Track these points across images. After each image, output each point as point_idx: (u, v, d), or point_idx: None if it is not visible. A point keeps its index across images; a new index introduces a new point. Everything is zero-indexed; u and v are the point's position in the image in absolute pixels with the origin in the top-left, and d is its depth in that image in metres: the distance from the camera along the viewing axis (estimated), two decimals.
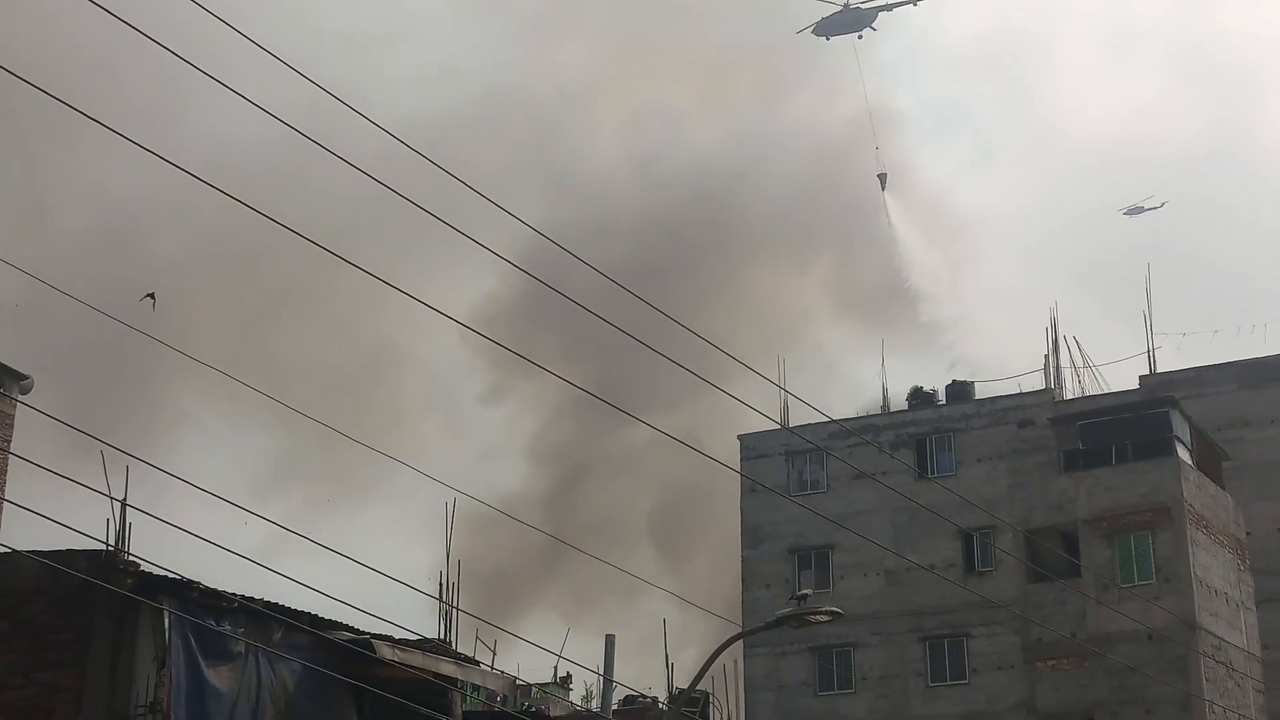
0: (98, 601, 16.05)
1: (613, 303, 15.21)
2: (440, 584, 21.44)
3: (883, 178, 68.80)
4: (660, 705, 41.21)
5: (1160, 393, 50.09)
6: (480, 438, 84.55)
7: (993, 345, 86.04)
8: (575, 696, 42.59)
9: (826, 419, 44.36)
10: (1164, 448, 44.75)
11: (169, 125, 65.16)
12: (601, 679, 20.13)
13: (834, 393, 64.17)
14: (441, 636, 20.76)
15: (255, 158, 59.89)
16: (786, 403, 47.28)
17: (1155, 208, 76.57)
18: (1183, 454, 45.19)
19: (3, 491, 40.01)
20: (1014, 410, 47.71)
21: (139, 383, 73.75)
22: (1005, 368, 73.61)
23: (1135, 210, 76.83)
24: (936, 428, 48.24)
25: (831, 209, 79.26)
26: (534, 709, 27.81)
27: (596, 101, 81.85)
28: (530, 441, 77.04)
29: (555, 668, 41.54)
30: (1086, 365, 54.28)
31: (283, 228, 12.49)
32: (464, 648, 21.65)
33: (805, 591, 19.81)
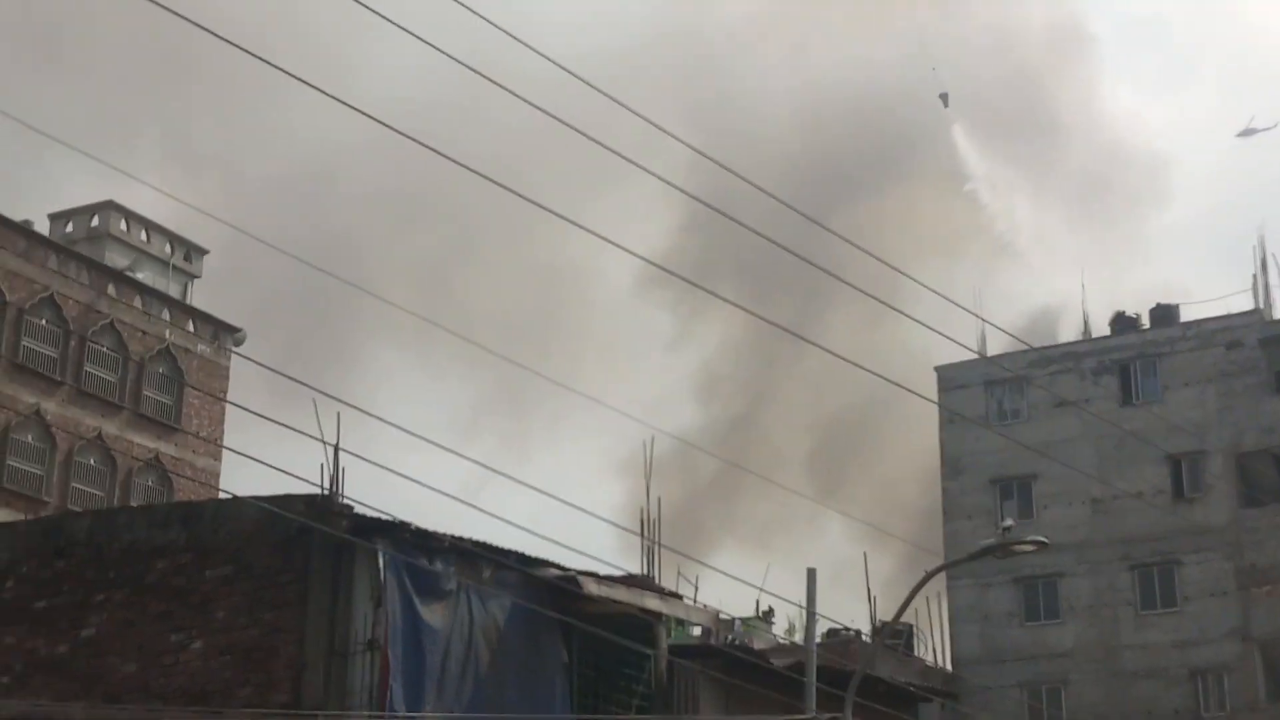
0: (315, 544, 16.67)
1: (787, 239, 15.15)
2: (641, 520, 21.78)
3: (944, 98, 66.32)
4: (864, 638, 41.33)
5: None
6: (658, 375, 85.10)
7: (1199, 266, 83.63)
8: (777, 630, 42.83)
9: (1026, 347, 43.68)
10: None
11: (351, 70, 66.50)
12: (805, 612, 20.23)
13: (1033, 320, 62.93)
14: (645, 572, 21.10)
15: (435, 99, 60.74)
16: (984, 333, 46.65)
17: (1268, 128, 73.62)
18: None
19: (222, 440, 41.57)
20: (1221, 332, 46.34)
21: (339, 329, 75.88)
22: (1212, 288, 71.50)
23: (1249, 133, 73.89)
24: (1141, 353, 47.12)
25: (1020, 134, 77.57)
26: (738, 642, 28.09)
27: (764, 41, 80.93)
28: (708, 379, 77.29)
29: (757, 602, 41.88)
30: None
31: (463, 168, 12.74)
32: (665, 584, 21.96)
33: (1009, 522, 19.63)
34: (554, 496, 16.85)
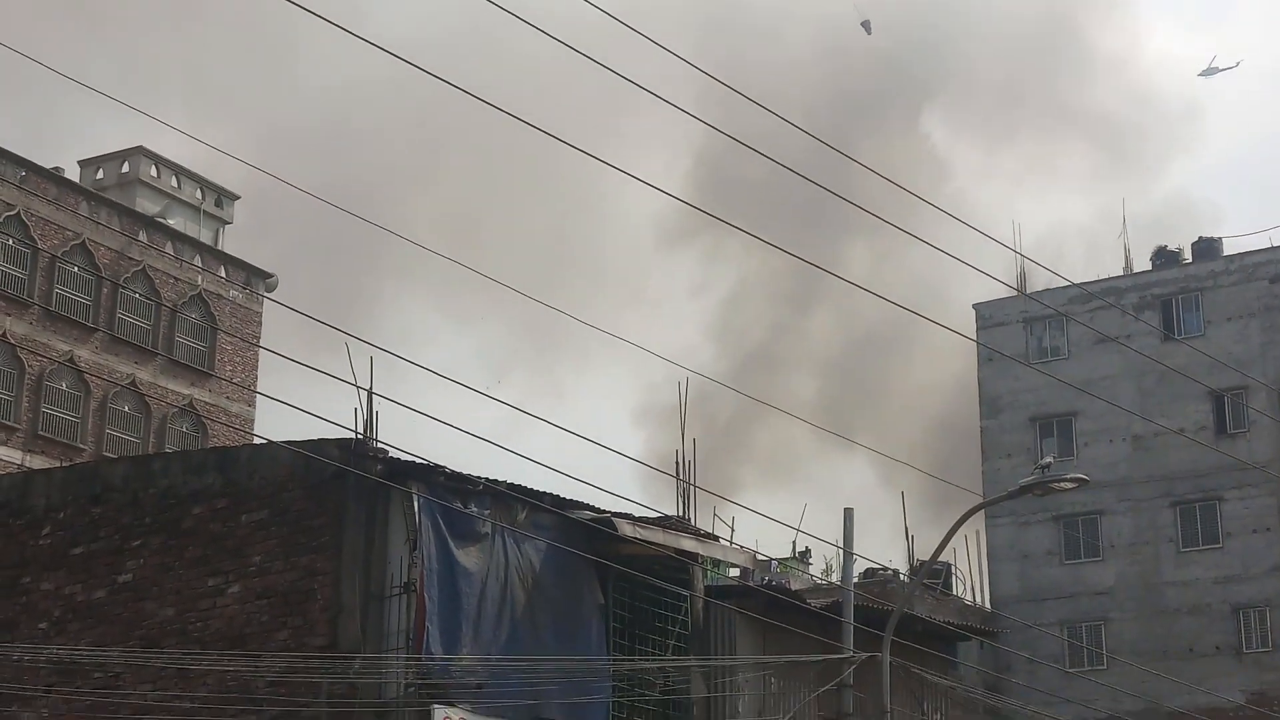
0: (349, 488, 16.58)
1: (808, 173, 14.77)
2: (676, 462, 21.60)
3: (866, 25, 65.00)
4: (901, 577, 41.19)
5: None
6: (678, 314, 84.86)
7: (1242, 198, 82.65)
8: (814, 570, 42.75)
9: (1067, 283, 43.22)
10: None
11: (368, 8, 66.10)
12: (841, 552, 20.05)
13: (1072, 256, 62.45)
14: (680, 515, 20.95)
15: (451, 35, 60.39)
16: (1023, 269, 46.20)
17: (1229, 68, 72.39)
18: None
19: (255, 386, 41.57)
20: (1265, 265, 45.71)
21: (368, 272, 75.95)
22: (1256, 221, 70.52)
23: (1210, 72, 72.63)
24: (1183, 287, 46.56)
25: (1046, 69, 76.70)
26: (774, 583, 27.97)
27: None
28: (729, 319, 77.06)
29: (794, 543, 41.77)
30: None
31: (483, 102, 12.48)
32: (700, 526, 21.80)
33: (1048, 459, 19.38)
34: (586, 438, 16.67)
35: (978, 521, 47.09)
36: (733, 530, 30.86)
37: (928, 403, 66.82)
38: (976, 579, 46.29)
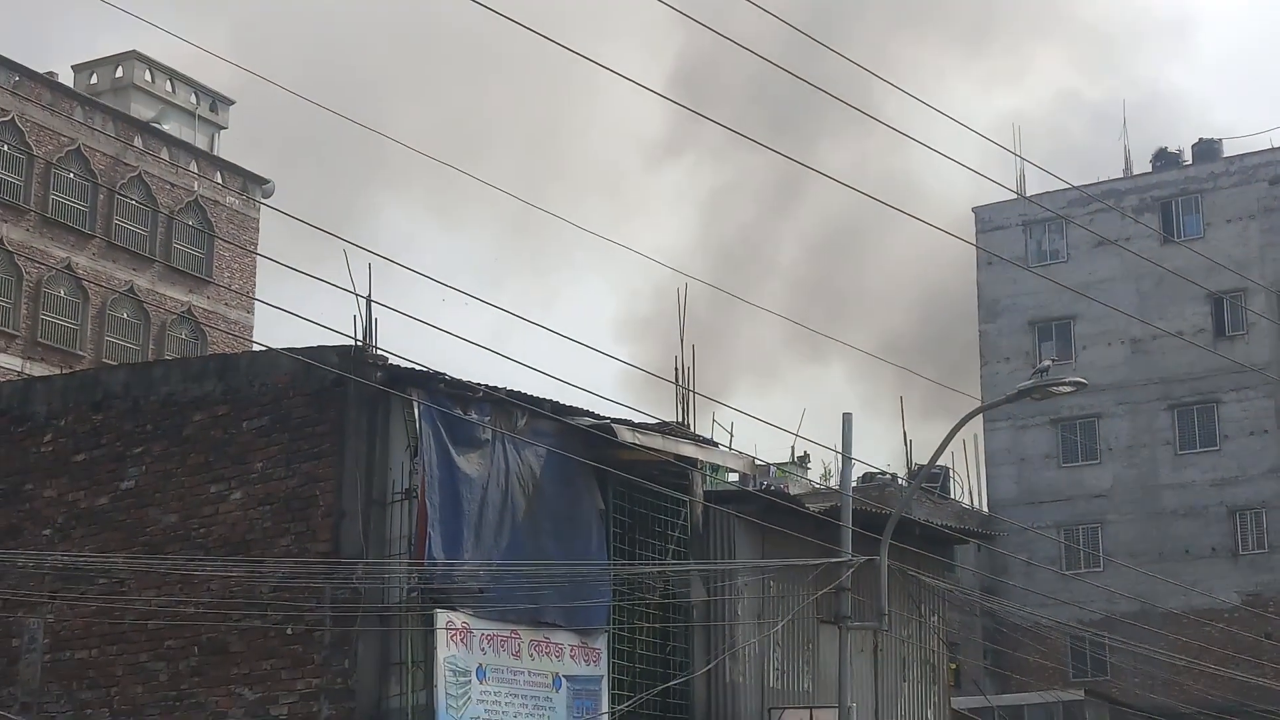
0: (350, 395, 16.60)
1: (801, 69, 14.61)
2: (675, 368, 21.62)
3: None
4: (899, 481, 41.40)
5: None
6: (669, 221, 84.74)
7: (1242, 100, 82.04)
8: (812, 475, 42.98)
9: (1066, 185, 43.07)
10: None
11: None
12: (840, 457, 20.12)
13: (1072, 158, 62.07)
14: (679, 420, 21.00)
15: None
16: (1022, 171, 45.99)
17: None
18: None
19: (254, 293, 41.53)
20: (1265, 167, 45.56)
21: (364, 177, 75.63)
22: (1255, 123, 70.22)
23: None
24: (1183, 189, 46.42)
25: None
26: (773, 488, 28.13)
27: None
28: (720, 224, 76.94)
29: (792, 448, 41.97)
30: None
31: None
32: (701, 431, 21.86)
33: (1046, 362, 19.38)
34: (585, 344, 16.67)
35: (975, 425, 47.30)
36: (731, 436, 31.00)
37: (918, 305, 66.84)
38: (974, 483, 46.65)
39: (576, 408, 18.06)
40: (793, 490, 30.47)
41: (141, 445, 18.06)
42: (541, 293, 78.05)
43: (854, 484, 39.66)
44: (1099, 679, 41.81)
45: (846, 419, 20.02)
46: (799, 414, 39.40)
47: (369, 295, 16.60)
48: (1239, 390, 43.89)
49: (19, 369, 34.62)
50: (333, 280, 15.59)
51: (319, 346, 16.69)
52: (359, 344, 16.55)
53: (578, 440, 17.90)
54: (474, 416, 17.15)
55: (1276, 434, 43.41)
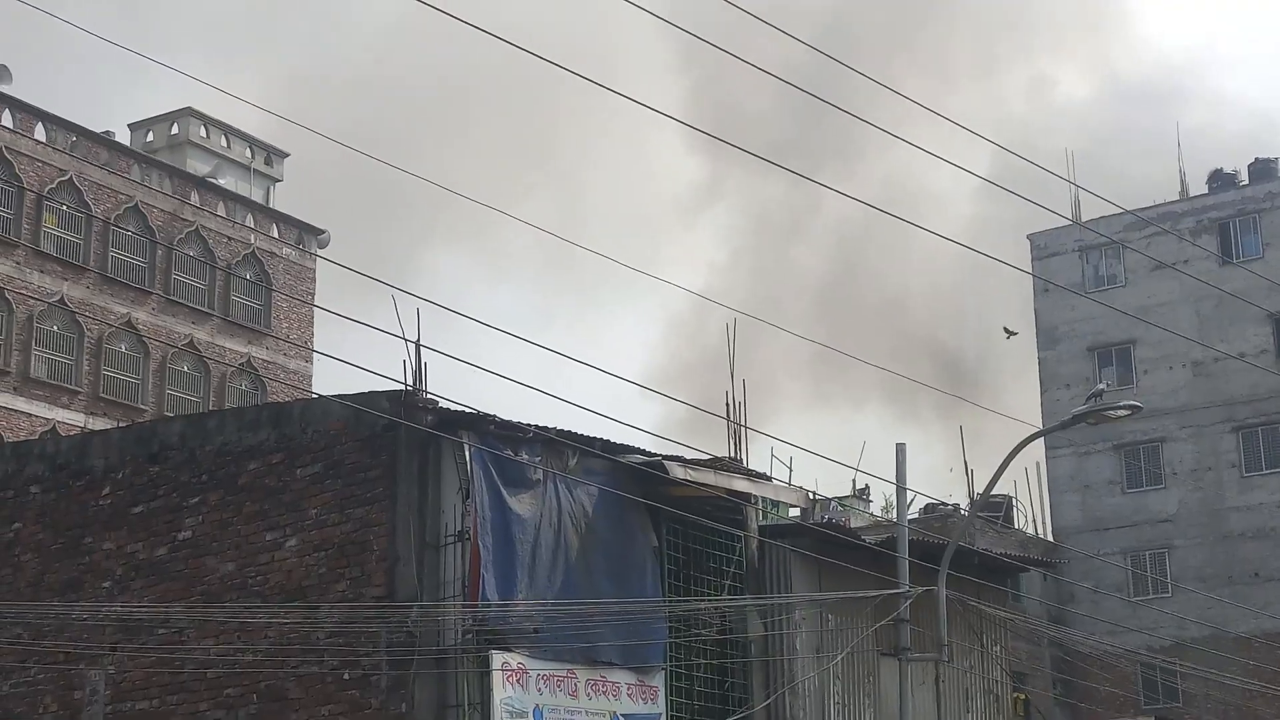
0: (401, 439, 16.71)
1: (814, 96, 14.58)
2: (727, 403, 21.62)
3: None
4: (961, 512, 41.10)
5: None
6: (724, 248, 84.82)
7: None
8: (874, 508, 42.73)
9: (1121, 210, 42.73)
10: None
11: None
12: (897, 488, 20.04)
13: (1126, 182, 61.63)
14: (732, 455, 20.97)
15: None
16: (1077, 197, 45.69)
17: None
18: None
19: (311, 343, 41.89)
20: None
21: (415, 225, 76.34)
22: None
23: None
24: (1240, 210, 46.01)
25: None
26: (834, 521, 28.00)
27: None
28: (778, 252, 76.84)
29: (853, 481, 41.76)
30: None
31: (506, 42, 12.50)
32: (754, 467, 21.82)
33: (1101, 386, 19.25)
34: (634, 383, 16.76)
35: (1038, 453, 46.96)
36: (790, 470, 30.86)
37: (973, 334, 66.36)
38: (1038, 511, 46.24)
39: (627, 445, 18.09)
40: (854, 523, 30.35)
41: (198, 495, 18.23)
42: (586, 332, 78.44)
43: (916, 515, 39.47)
44: (1171, 706, 41.23)
45: (900, 449, 19.97)
46: (859, 447, 39.26)
47: (418, 340, 16.76)
48: None
49: (82, 424, 35.09)
50: (383, 327, 15.79)
51: (370, 392, 16.82)
52: (409, 388, 16.67)
53: (629, 478, 17.92)
54: (525, 457, 17.21)
55: None
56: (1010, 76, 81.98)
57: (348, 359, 14.86)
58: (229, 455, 18.17)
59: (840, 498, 40.54)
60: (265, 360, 41.60)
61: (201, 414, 23.40)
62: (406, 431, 16.61)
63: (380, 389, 16.70)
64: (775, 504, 22.31)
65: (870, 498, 44.20)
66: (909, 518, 36.58)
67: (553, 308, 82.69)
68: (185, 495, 18.37)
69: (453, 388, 16.11)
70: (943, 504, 40.47)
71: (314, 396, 19.62)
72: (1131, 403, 19.05)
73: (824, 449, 18.63)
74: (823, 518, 28.35)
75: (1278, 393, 43.07)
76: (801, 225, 76.61)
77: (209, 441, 18.46)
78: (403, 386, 16.70)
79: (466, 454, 16.69)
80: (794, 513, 27.20)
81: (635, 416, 14.95)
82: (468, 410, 16.44)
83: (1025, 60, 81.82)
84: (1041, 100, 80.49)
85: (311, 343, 41.99)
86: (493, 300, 78.01)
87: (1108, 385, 25.66)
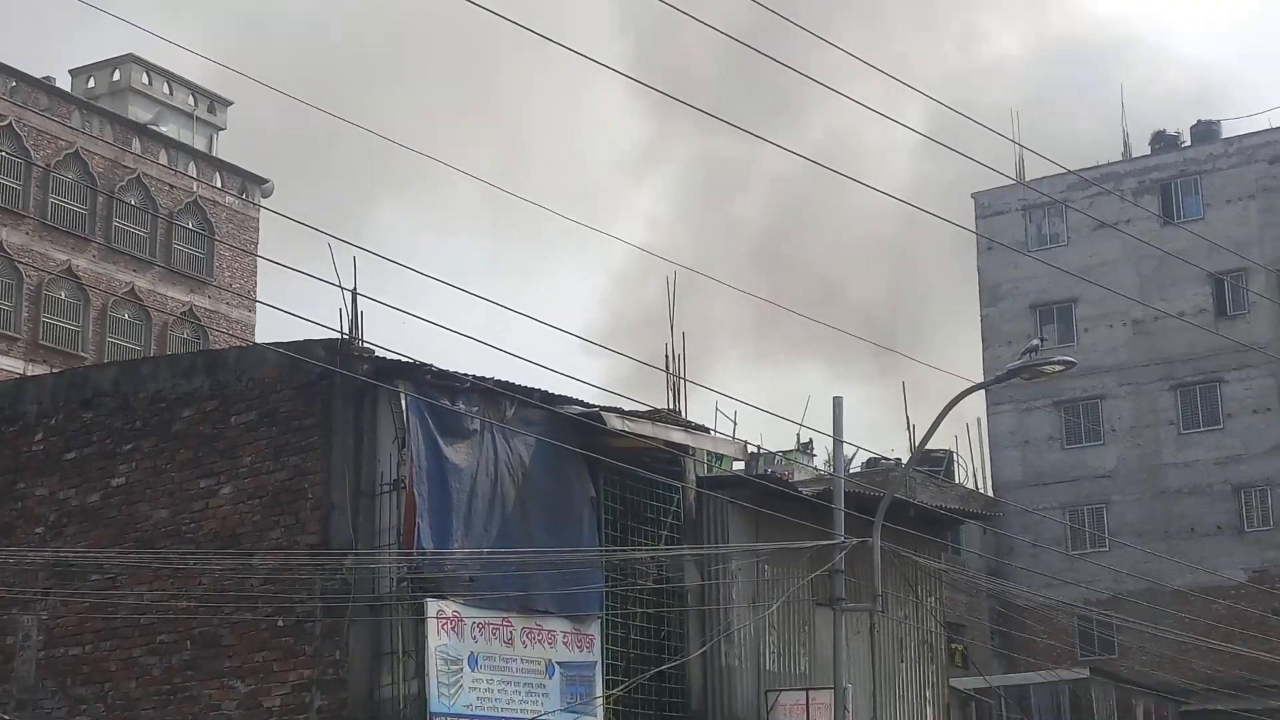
0: (337, 388, 16.66)
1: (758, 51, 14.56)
2: (666, 356, 21.66)
3: None
4: (903, 465, 41.33)
5: None
6: (666, 205, 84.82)
7: (1241, 81, 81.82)
8: (818, 462, 42.96)
9: (1064, 170, 43.03)
10: None
11: None
12: (834, 440, 20.14)
13: (1069, 143, 61.96)
14: (671, 407, 21.02)
15: None
16: (1022, 156, 45.91)
17: None
18: None
19: (254, 293, 41.60)
20: (1264, 147, 45.46)
21: (361, 176, 75.91)
22: (1255, 103, 70.00)
23: None
24: (1182, 171, 46.35)
25: None
26: (774, 474, 28.14)
27: None
28: (720, 210, 77.00)
29: (797, 435, 41.94)
30: None
31: None
32: (705, 420, 21.90)
33: (1035, 341, 19.37)
34: (575, 335, 16.75)
35: (979, 409, 47.36)
36: (735, 425, 30.96)
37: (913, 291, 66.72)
38: (979, 466, 46.64)
39: (566, 396, 18.10)
40: (797, 477, 30.50)
41: (131, 442, 18.14)
42: (530, 288, 78.38)
43: (859, 470, 39.62)
44: (1107, 657, 41.80)
45: (837, 402, 20.07)
46: (804, 403, 39.43)
47: (354, 288, 16.68)
48: (1241, 369, 43.84)
49: (21, 371, 34.78)
50: (323, 277, 15.69)
51: (305, 341, 16.75)
52: (344, 337, 16.60)
53: (568, 429, 17.94)
54: (462, 407, 17.19)
55: (1279, 411, 43.37)
56: (948, 32, 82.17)
57: (290, 309, 14.83)
58: (163, 402, 18.07)
59: (785, 452, 40.72)
60: (207, 309, 41.32)
61: (135, 360, 23.27)
62: (342, 380, 16.56)
63: (317, 338, 16.64)
64: (719, 458, 22.39)
65: (814, 452, 44.45)
66: (852, 472, 36.87)
67: (498, 262, 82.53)
68: (119, 442, 18.27)
69: (393, 339, 16.07)
70: (884, 458, 40.75)
71: (247, 344, 19.50)
72: (1065, 358, 19.19)
73: (768, 405, 18.70)
74: (766, 471, 28.48)
75: (1215, 352, 43.53)
76: (743, 184, 76.63)
77: (143, 388, 18.36)
78: (339, 335, 16.63)
79: (402, 403, 16.66)
80: (738, 467, 27.32)
81: (578, 373, 14.94)
82: (404, 359, 16.40)
83: (964, 16, 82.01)
84: (981, 58, 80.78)
85: (254, 293, 41.74)
86: (439, 254, 77.82)
87: (1045, 339, 25.83)
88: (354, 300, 16.84)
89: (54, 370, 32.33)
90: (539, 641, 17.34)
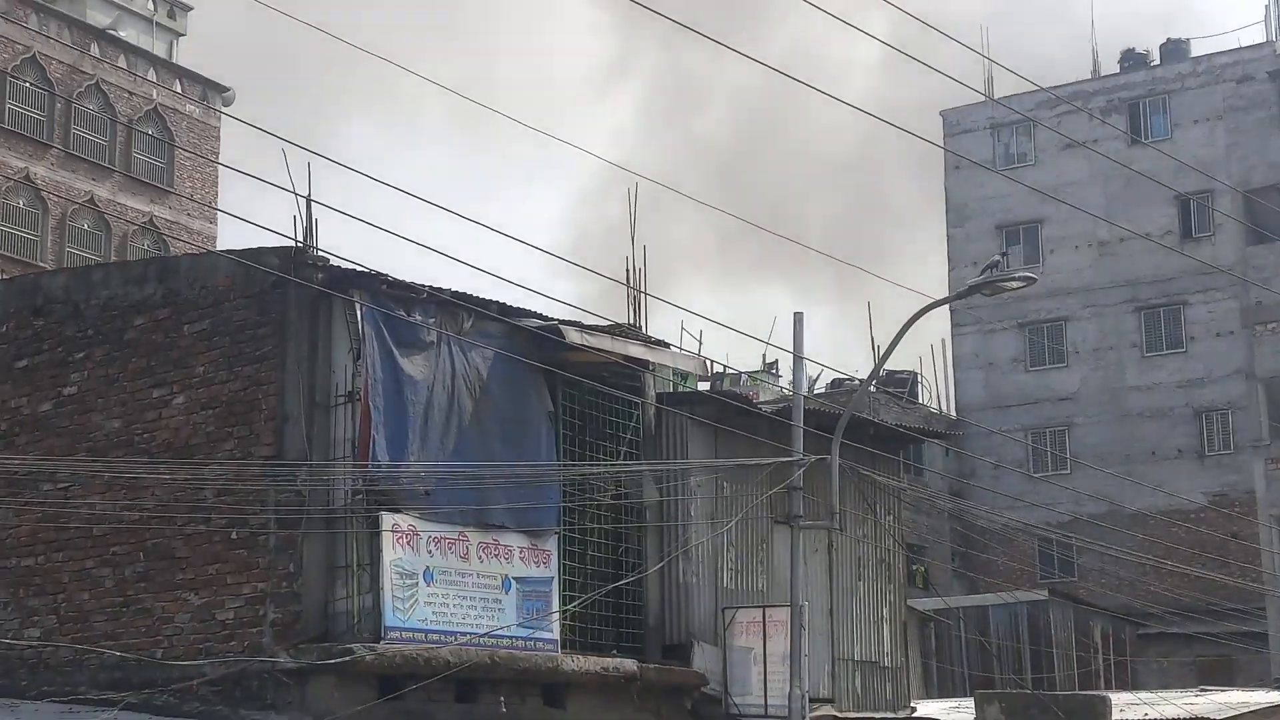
0: (291, 297, 16.39)
1: None
2: (627, 269, 21.44)
3: None
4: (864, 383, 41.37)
5: None
6: (635, 115, 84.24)
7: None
8: (783, 383, 42.95)
9: (1034, 87, 42.75)
10: None
11: None
12: (794, 357, 19.99)
13: (1038, 60, 61.57)
14: (631, 322, 20.84)
15: None
16: (991, 73, 45.61)
17: None
18: None
19: (216, 202, 41.14)
20: (1232, 66, 45.28)
21: (323, 87, 74.94)
22: (1223, 22, 69.65)
23: None
24: (1150, 90, 46.16)
25: None
26: (743, 393, 28.07)
27: None
28: (684, 125, 76.51)
29: (764, 355, 41.91)
30: None
31: None
32: (670, 337, 21.71)
33: (996, 257, 19.22)
34: (536, 247, 16.51)
35: (943, 330, 47.39)
36: (700, 344, 30.82)
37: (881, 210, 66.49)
38: (943, 388, 46.73)
39: (524, 309, 17.89)
40: (761, 396, 30.43)
41: (83, 350, 17.87)
42: (498, 206, 77.92)
43: (824, 390, 39.58)
44: (1067, 579, 42.13)
45: (798, 318, 19.90)
46: (769, 324, 39.43)
47: (309, 195, 16.35)
48: (1205, 292, 43.93)
49: None
50: (274, 181, 15.38)
51: (258, 248, 16.48)
52: (298, 245, 16.30)
53: (525, 342, 17.74)
54: (418, 318, 16.96)
55: (1242, 335, 43.46)
56: None
57: (251, 219, 14.55)
58: (115, 310, 17.78)
59: (751, 373, 40.70)
60: (168, 219, 40.82)
61: (86, 267, 22.88)
62: (296, 289, 16.28)
63: (271, 245, 16.36)
64: (685, 377, 22.24)
65: (779, 372, 44.45)
66: (817, 393, 36.80)
67: (464, 177, 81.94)
68: (70, 350, 18.00)
69: (353, 251, 15.71)
70: (849, 378, 40.77)
71: (200, 251, 19.20)
72: (1026, 274, 19.06)
73: (734, 324, 18.51)
74: (732, 390, 28.39)
75: (1181, 274, 43.58)
76: (708, 99, 76.02)
77: (94, 295, 18.05)
78: (293, 243, 16.33)
79: (358, 313, 16.41)
80: (704, 387, 27.21)
81: (544, 290, 14.72)
82: (359, 268, 16.14)
83: None
84: None
85: (216, 202, 41.24)
86: (404, 167, 77.15)
87: (1010, 258, 25.74)
88: (309, 207, 16.50)
89: (6, 277, 31.96)
90: (495, 556, 17.24)
